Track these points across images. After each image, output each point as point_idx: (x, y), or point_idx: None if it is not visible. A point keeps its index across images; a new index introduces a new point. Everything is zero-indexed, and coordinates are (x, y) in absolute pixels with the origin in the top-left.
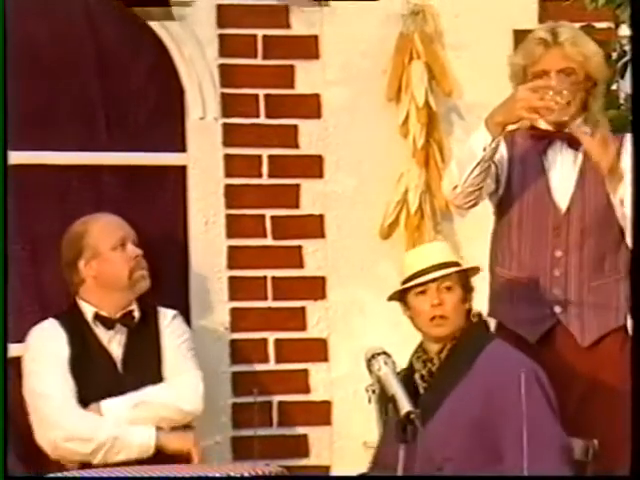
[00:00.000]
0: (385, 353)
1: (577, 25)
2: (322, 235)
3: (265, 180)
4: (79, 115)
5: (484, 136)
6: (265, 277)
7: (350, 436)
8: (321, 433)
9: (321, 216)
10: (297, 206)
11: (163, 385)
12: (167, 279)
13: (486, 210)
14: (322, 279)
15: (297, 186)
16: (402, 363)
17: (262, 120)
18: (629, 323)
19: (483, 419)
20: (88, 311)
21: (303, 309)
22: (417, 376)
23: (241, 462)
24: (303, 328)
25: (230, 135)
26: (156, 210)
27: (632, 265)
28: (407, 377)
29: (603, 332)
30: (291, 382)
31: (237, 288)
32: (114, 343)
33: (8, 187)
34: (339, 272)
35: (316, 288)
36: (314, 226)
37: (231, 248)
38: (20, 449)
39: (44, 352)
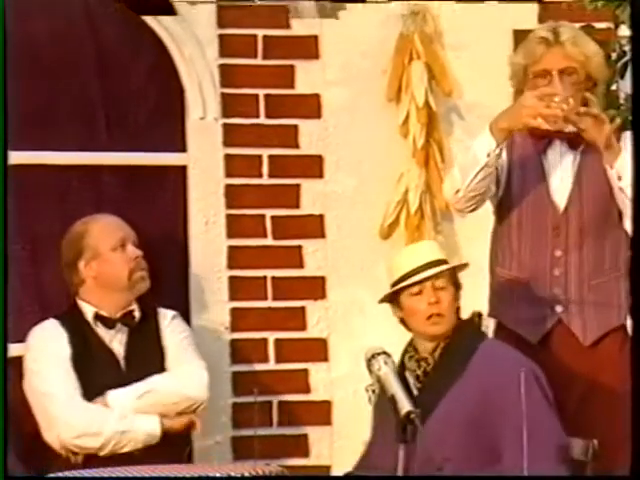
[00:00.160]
0: (385, 353)
1: (577, 25)
2: (322, 235)
3: (265, 180)
4: (79, 115)
5: (488, 141)
6: (265, 277)
7: (350, 436)
8: (321, 433)
9: (321, 216)
10: (297, 206)
11: (167, 374)
12: (167, 279)
13: (486, 210)
14: (322, 279)
15: (297, 186)
16: None
17: (262, 120)
18: (629, 322)
19: (481, 418)
20: (88, 311)
21: (303, 309)
22: (410, 375)
23: (241, 462)
24: (303, 328)
25: (230, 135)
26: (156, 210)
27: (632, 265)
28: (400, 376)
29: (605, 330)
30: (291, 382)
31: (237, 288)
32: (115, 342)
33: (8, 187)
34: (339, 272)
35: (316, 288)
36: (314, 226)
37: (231, 248)
38: (20, 449)
39: (45, 352)
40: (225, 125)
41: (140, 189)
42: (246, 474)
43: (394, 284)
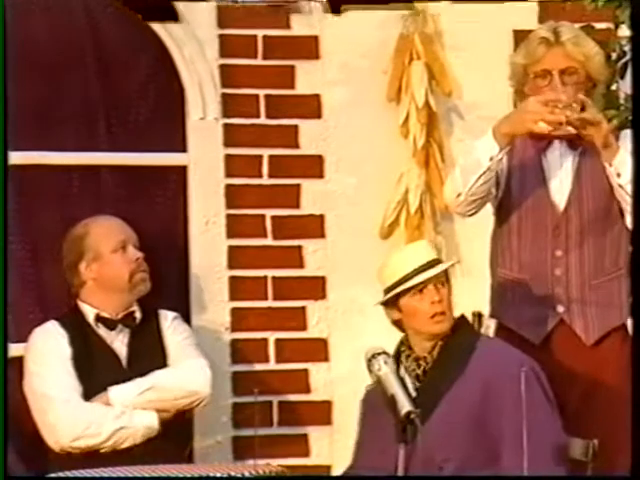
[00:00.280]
0: (385, 353)
1: (577, 25)
2: (322, 235)
3: (265, 180)
4: (79, 115)
5: (491, 145)
6: (265, 277)
7: (350, 436)
8: (321, 433)
9: (321, 216)
10: (297, 206)
11: (169, 369)
12: (167, 279)
13: (486, 211)
14: (322, 279)
15: (297, 186)
16: None
17: (262, 120)
18: (629, 321)
19: (482, 416)
20: (89, 312)
21: (303, 309)
22: (408, 374)
23: (242, 462)
24: (303, 328)
25: (230, 135)
26: (156, 210)
27: (632, 262)
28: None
29: (606, 330)
30: (291, 382)
31: (237, 288)
32: (117, 342)
33: (8, 187)
34: (339, 272)
35: (316, 288)
36: (314, 226)
37: (231, 248)
38: (20, 449)
39: (46, 353)
40: (225, 125)
41: (140, 189)
42: (246, 474)
43: (393, 286)
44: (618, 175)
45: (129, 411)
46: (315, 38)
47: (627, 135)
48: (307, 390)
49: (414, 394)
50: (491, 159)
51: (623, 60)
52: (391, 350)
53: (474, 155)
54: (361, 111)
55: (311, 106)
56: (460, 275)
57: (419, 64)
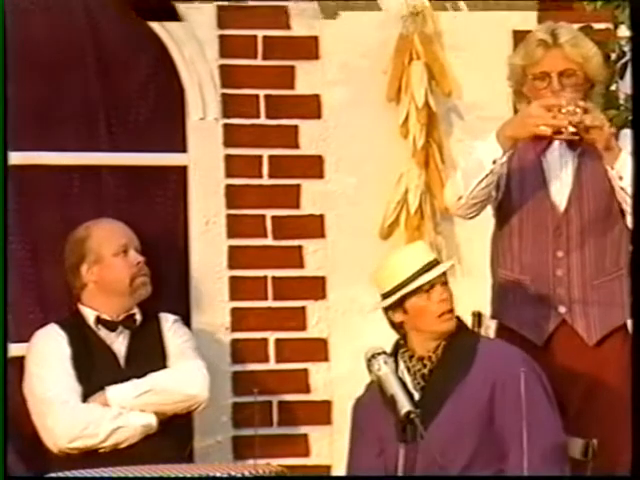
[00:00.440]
0: (385, 353)
1: (576, 26)
2: (322, 235)
3: (265, 180)
4: (79, 115)
5: (494, 149)
6: (265, 277)
7: None
8: (321, 432)
9: (321, 216)
10: (297, 206)
11: (168, 372)
12: (168, 279)
13: (486, 211)
14: (322, 279)
15: (297, 186)
16: None
17: (262, 120)
18: (629, 321)
19: (488, 416)
20: (90, 315)
21: (303, 309)
22: (412, 374)
23: (242, 461)
24: (303, 328)
25: (230, 135)
26: (157, 210)
27: (632, 265)
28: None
29: (608, 330)
30: (291, 382)
31: (237, 288)
32: (117, 343)
33: (8, 187)
34: (339, 272)
35: (316, 288)
36: (314, 226)
37: (232, 248)
38: (21, 448)
39: (46, 355)
40: (225, 125)
41: (140, 189)
42: (246, 474)
43: (396, 289)
44: (620, 178)
45: (126, 412)
46: (315, 38)
47: (627, 135)
48: (307, 390)
49: (419, 394)
50: (494, 162)
51: (622, 60)
52: (389, 350)
53: (476, 158)
54: (361, 111)
55: (311, 106)
56: (460, 275)
57: (419, 64)
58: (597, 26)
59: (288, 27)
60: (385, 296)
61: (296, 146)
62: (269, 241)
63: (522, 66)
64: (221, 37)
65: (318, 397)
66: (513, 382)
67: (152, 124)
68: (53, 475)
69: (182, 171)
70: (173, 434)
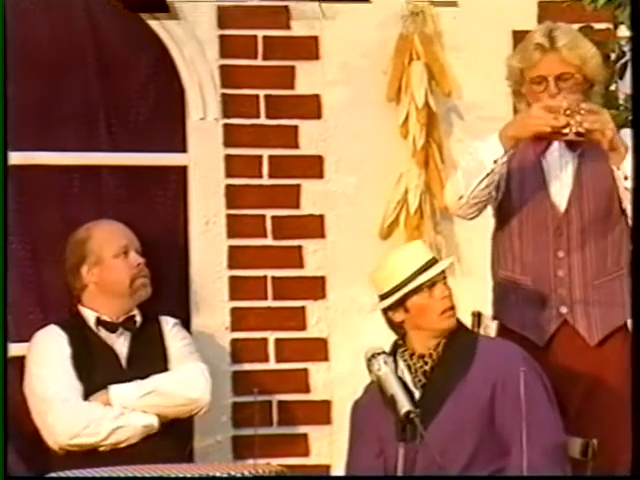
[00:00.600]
0: (385, 353)
1: (576, 26)
2: (322, 235)
3: (265, 180)
4: (79, 115)
5: (496, 148)
6: (265, 277)
7: None
8: (321, 432)
9: (321, 216)
10: (297, 206)
11: (170, 375)
12: (167, 279)
13: (485, 210)
14: (322, 279)
15: (297, 186)
16: None
17: (262, 120)
18: (629, 321)
19: (489, 414)
20: (90, 316)
21: (303, 309)
22: (412, 373)
23: (242, 461)
24: (303, 328)
25: (230, 135)
26: (157, 210)
27: (633, 265)
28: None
29: (610, 330)
30: (291, 381)
31: (237, 288)
32: (118, 344)
33: (8, 187)
34: (339, 272)
35: (316, 288)
36: (314, 226)
37: (231, 248)
38: (21, 448)
39: (47, 355)
40: (225, 125)
41: (140, 189)
42: (246, 473)
43: (397, 288)
44: (626, 178)
45: (128, 412)
46: (315, 38)
47: (627, 135)
48: (307, 390)
49: (419, 392)
50: (495, 162)
51: (622, 60)
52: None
53: (477, 157)
54: (361, 111)
55: (311, 106)
56: (460, 275)
57: (419, 64)
58: (597, 26)
59: (288, 27)
60: (384, 296)
61: (296, 146)
62: (269, 241)
63: (520, 68)
64: (221, 37)
65: (318, 397)
66: (513, 380)
67: (152, 124)
68: (53, 475)
69: (182, 171)
70: (173, 434)
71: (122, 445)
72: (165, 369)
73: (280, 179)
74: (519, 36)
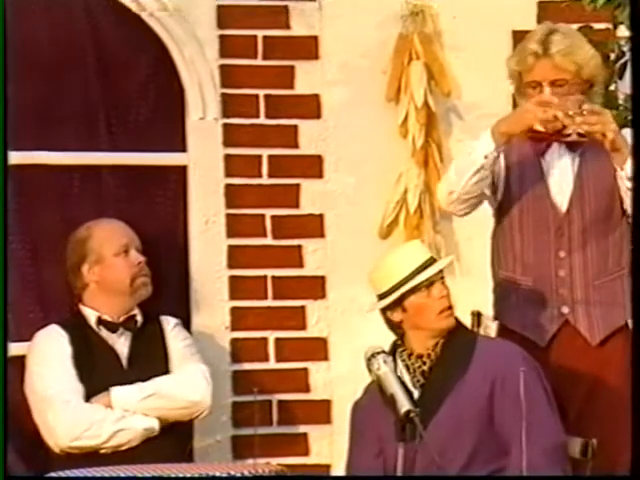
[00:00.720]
0: (384, 352)
1: (575, 26)
2: (322, 235)
3: (265, 180)
4: (79, 115)
5: (487, 144)
6: (265, 276)
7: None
8: (321, 432)
9: (321, 216)
10: (297, 206)
11: (172, 377)
12: (167, 278)
13: (485, 210)
14: (322, 278)
15: (297, 186)
16: None
17: (262, 120)
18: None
19: (488, 414)
20: (91, 315)
21: (303, 308)
22: (411, 372)
23: (241, 461)
24: (303, 327)
25: (230, 135)
26: (156, 210)
27: (633, 265)
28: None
29: (611, 329)
30: (291, 381)
31: (237, 287)
32: (119, 344)
33: (8, 187)
34: (339, 271)
35: (316, 287)
36: (314, 226)
37: (231, 247)
38: (21, 448)
39: (48, 354)
40: (225, 125)
41: (140, 189)
42: (246, 473)
43: (395, 287)
44: (629, 179)
45: (129, 415)
46: (315, 38)
47: (627, 135)
48: (307, 389)
49: (417, 391)
50: (486, 157)
51: (622, 60)
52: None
53: (468, 153)
54: (360, 111)
55: (310, 106)
56: (459, 274)
57: (418, 64)
58: (597, 26)
59: (288, 27)
60: (382, 296)
61: (296, 146)
62: (269, 240)
63: (518, 71)
64: (221, 37)
65: (318, 396)
66: (512, 379)
67: (152, 124)
68: (53, 475)
69: (182, 171)
70: (173, 434)
71: (123, 448)
72: (166, 370)
73: (280, 179)
74: (519, 36)
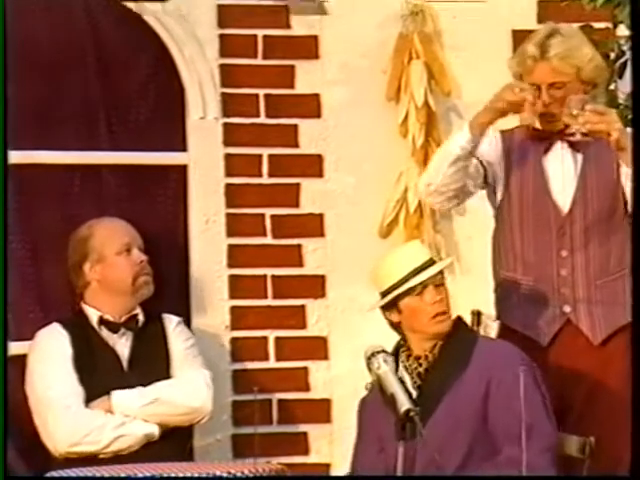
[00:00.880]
0: (385, 351)
1: (575, 25)
2: (322, 234)
3: (265, 179)
4: (79, 115)
5: (464, 135)
6: (265, 276)
7: (350, 434)
8: (321, 431)
9: (321, 215)
10: (297, 205)
11: (173, 383)
12: (167, 278)
13: (485, 209)
14: (322, 278)
15: (297, 185)
16: None
17: (262, 120)
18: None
19: (484, 414)
20: (93, 315)
21: (303, 307)
22: (408, 373)
23: (241, 460)
24: (303, 326)
25: (230, 135)
26: (157, 209)
27: (633, 265)
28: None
29: (613, 329)
30: (291, 380)
31: (237, 286)
32: (120, 345)
33: (8, 187)
34: (339, 271)
35: (316, 286)
36: (314, 225)
37: (231, 247)
38: (21, 447)
39: (49, 353)
40: (225, 125)
41: (141, 188)
42: (246, 472)
43: (391, 289)
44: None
45: (129, 421)
46: (315, 38)
47: (627, 134)
48: (307, 388)
49: (415, 392)
50: (462, 148)
51: (622, 60)
52: (390, 349)
53: (445, 146)
54: (360, 111)
55: (311, 106)
56: (459, 274)
57: (418, 64)
58: (596, 25)
59: (288, 26)
60: (382, 295)
61: (296, 145)
62: (269, 240)
63: (519, 72)
64: (221, 36)
65: (318, 395)
66: (509, 380)
67: (152, 123)
68: (54, 474)
69: (182, 170)
70: (173, 433)
71: (122, 453)
72: (167, 372)
73: (280, 178)
74: (519, 36)
